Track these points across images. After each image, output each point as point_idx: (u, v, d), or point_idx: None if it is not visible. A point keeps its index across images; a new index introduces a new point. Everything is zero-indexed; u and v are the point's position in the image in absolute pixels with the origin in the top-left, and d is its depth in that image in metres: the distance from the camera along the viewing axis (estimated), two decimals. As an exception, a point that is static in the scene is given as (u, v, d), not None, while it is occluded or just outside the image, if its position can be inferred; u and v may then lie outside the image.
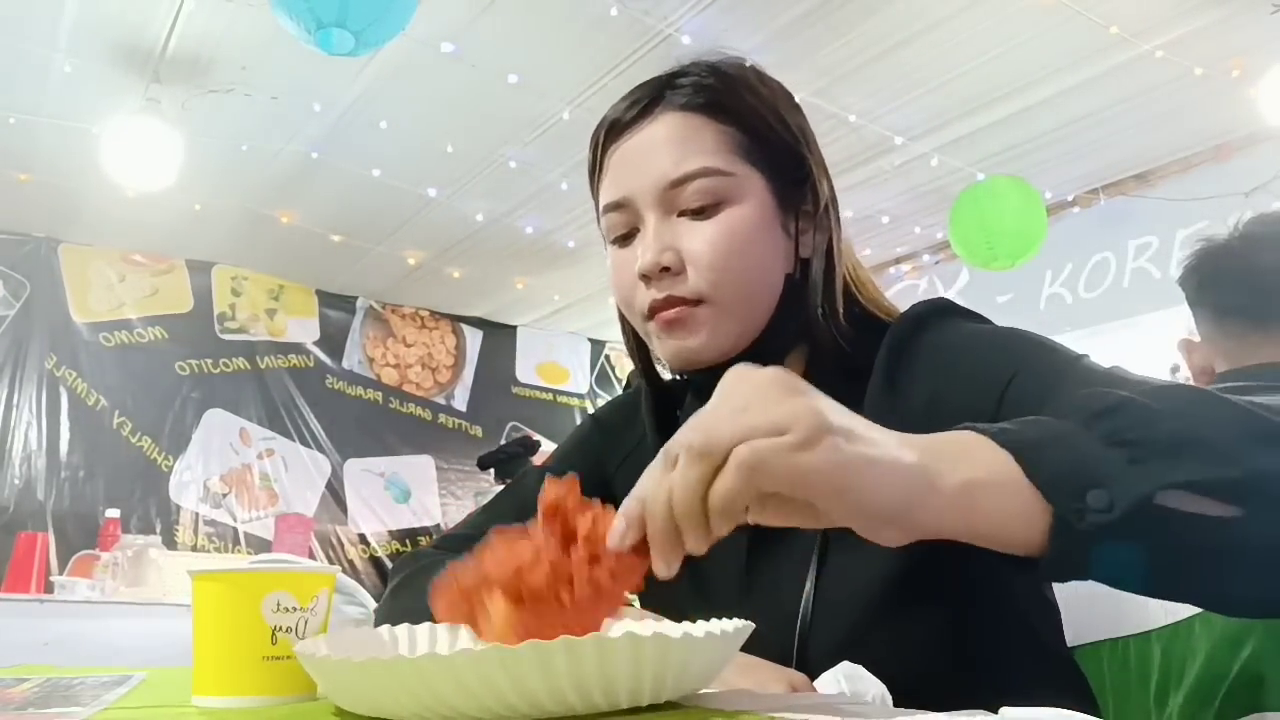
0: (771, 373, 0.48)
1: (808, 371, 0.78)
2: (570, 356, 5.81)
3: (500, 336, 5.62)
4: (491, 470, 4.67)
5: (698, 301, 0.73)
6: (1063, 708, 0.41)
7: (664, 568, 0.48)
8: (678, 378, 0.86)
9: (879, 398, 0.71)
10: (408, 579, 0.85)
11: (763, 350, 0.75)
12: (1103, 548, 0.46)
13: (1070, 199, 3.91)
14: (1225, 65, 2.97)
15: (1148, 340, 3.80)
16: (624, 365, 5.93)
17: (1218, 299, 1.40)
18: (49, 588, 3.19)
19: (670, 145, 0.75)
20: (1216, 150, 3.52)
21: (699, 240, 0.73)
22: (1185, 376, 3.70)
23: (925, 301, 0.75)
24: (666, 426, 0.85)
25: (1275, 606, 0.51)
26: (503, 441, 5.36)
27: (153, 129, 3.15)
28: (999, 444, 0.49)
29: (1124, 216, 3.77)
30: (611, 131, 0.79)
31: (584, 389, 5.80)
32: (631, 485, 0.87)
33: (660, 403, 0.86)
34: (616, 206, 0.77)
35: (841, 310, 0.76)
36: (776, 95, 0.80)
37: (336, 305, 5.22)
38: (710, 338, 0.74)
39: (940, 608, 0.67)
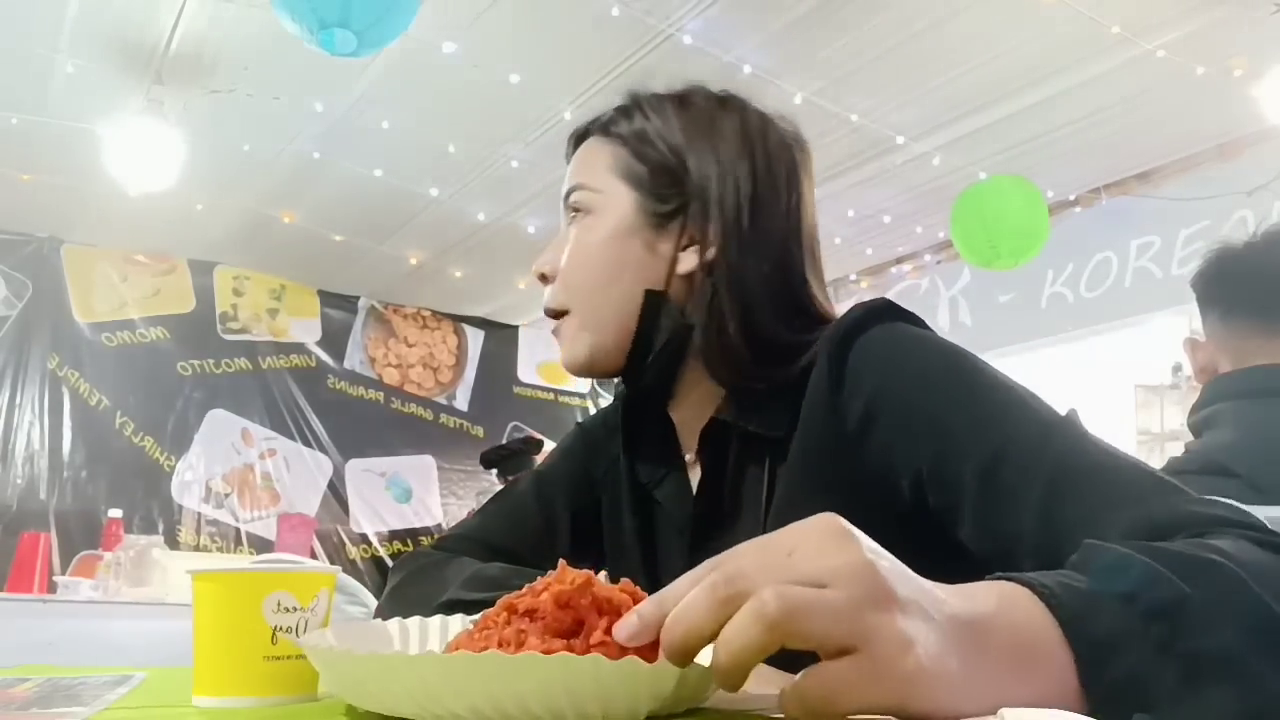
0: (829, 525, 0.44)
1: (726, 396, 0.78)
2: (572, 356, 5.81)
3: (502, 336, 5.63)
4: (494, 469, 4.68)
5: (561, 312, 0.82)
6: (1064, 709, 0.41)
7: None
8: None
9: (819, 407, 0.71)
10: (408, 579, 0.85)
11: (639, 364, 0.80)
12: None
13: (1072, 198, 3.90)
14: (1227, 65, 2.97)
15: (1149, 340, 3.80)
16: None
17: (1228, 297, 1.39)
18: (52, 588, 3.20)
19: (576, 164, 0.85)
20: (1218, 150, 3.52)
21: (561, 251, 0.82)
22: (1188, 378, 3.70)
23: (864, 303, 0.74)
24: (633, 440, 0.88)
25: None
26: (503, 442, 5.37)
27: (155, 129, 3.16)
28: (1064, 631, 0.44)
29: (1126, 216, 3.77)
30: (569, 150, 0.88)
31: (585, 389, 5.80)
32: (614, 495, 0.89)
33: (631, 410, 0.88)
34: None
35: (740, 331, 0.76)
36: (692, 121, 0.81)
37: (338, 305, 5.23)
38: (567, 348, 0.81)
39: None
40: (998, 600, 0.45)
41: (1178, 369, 3.69)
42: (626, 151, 0.81)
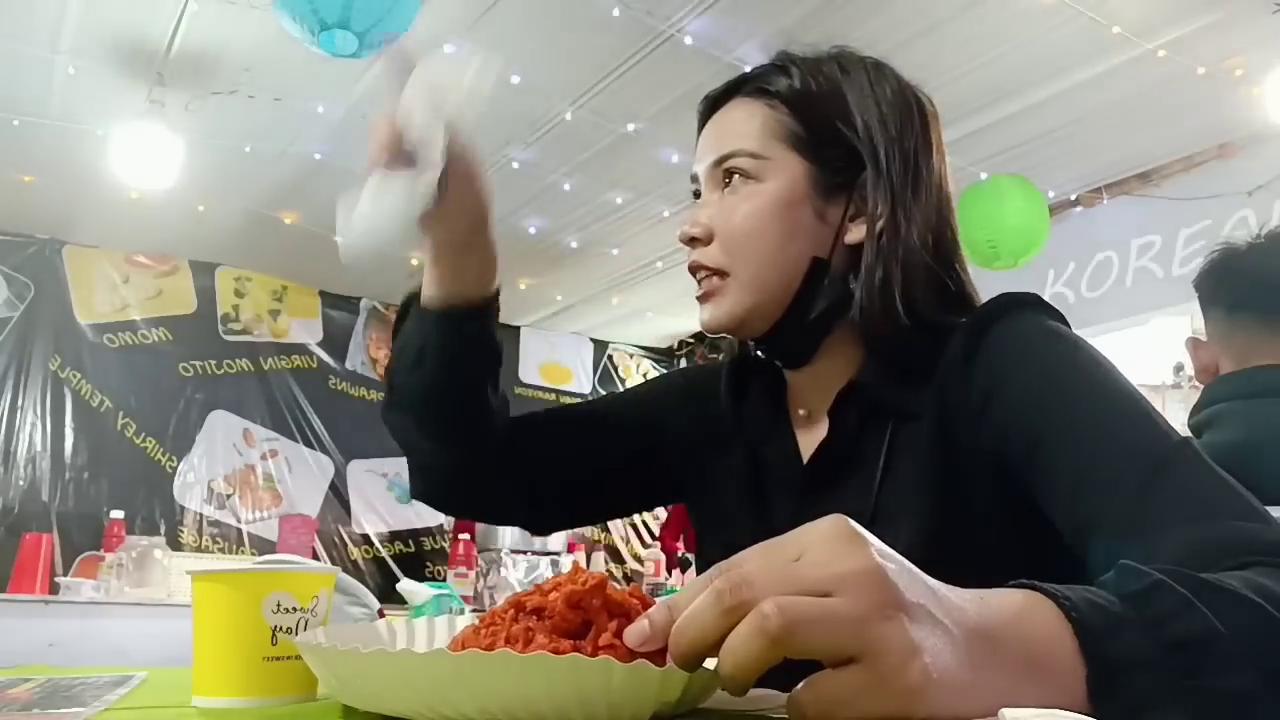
0: (839, 529, 0.42)
1: (864, 362, 0.80)
2: (573, 357, 5.81)
3: (503, 337, 5.57)
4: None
5: (718, 272, 0.80)
6: (1065, 709, 0.40)
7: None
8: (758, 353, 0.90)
9: (951, 378, 0.73)
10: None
11: (793, 328, 0.80)
12: None
13: (1073, 198, 3.90)
14: (1228, 65, 2.97)
15: (1151, 339, 3.80)
16: (627, 366, 5.94)
17: (1231, 297, 1.41)
18: (54, 588, 3.20)
19: (726, 127, 0.83)
20: (1219, 149, 3.51)
21: (720, 214, 0.80)
22: (1189, 378, 3.69)
23: (1012, 293, 0.77)
24: (740, 398, 0.89)
25: None
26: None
27: (156, 131, 3.17)
28: (1082, 646, 0.44)
29: (1127, 216, 3.77)
30: (704, 110, 0.87)
31: (587, 390, 5.80)
32: (711, 457, 0.90)
33: (740, 370, 0.90)
34: (693, 178, 0.86)
35: (905, 298, 0.77)
36: (855, 88, 0.81)
37: (340, 306, 5.23)
38: (726, 308, 0.80)
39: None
40: (1018, 609, 0.45)
41: (1179, 369, 3.69)
42: (789, 116, 0.80)
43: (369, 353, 5.27)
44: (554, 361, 5.74)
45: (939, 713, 0.40)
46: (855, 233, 0.80)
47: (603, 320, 5.50)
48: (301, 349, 5.09)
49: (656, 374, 1.04)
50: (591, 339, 5.86)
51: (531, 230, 4.27)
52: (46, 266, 4.53)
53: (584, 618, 0.47)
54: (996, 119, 3.31)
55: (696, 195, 0.85)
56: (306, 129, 3.47)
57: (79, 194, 3.96)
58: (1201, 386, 1.45)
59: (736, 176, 0.80)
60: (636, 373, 5.96)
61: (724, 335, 0.85)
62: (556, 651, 0.45)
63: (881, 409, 0.78)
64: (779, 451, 0.85)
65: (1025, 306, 0.75)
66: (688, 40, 2.87)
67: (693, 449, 0.92)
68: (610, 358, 5.92)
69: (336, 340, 5.19)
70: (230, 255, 4.80)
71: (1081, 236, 3.87)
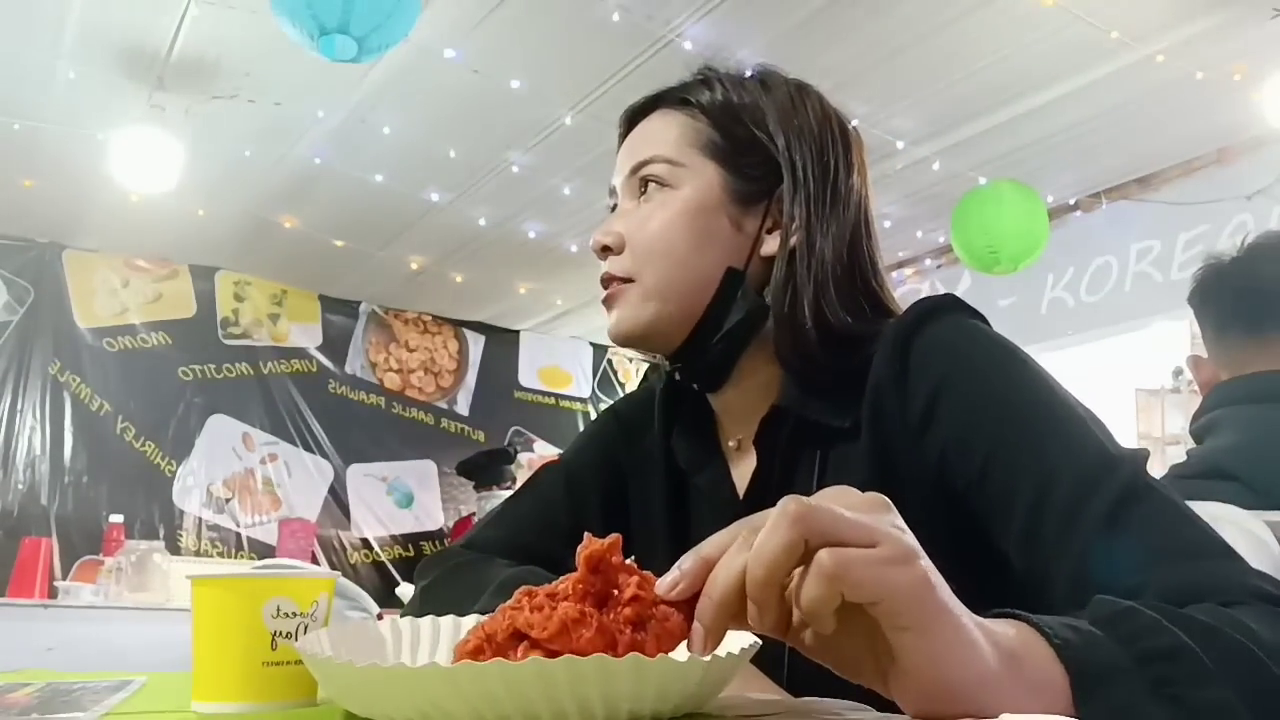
0: (869, 495, 0.46)
1: (784, 384, 0.77)
2: (572, 361, 5.81)
3: (503, 341, 5.63)
4: (471, 480, 4.70)
5: (625, 280, 0.79)
6: (1065, 714, 0.41)
7: (701, 643, 0.45)
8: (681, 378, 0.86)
9: (883, 392, 0.71)
10: (439, 580, 0.84)
11: (706, 341, 0.78)
12: None
13: (1072, 203, 3.91)
14: (1226, 69, 2.97)
15: (1149, 344, 3.80)
16: (626, 370, 5.94)
17: (1219, 311, 1.44)
18: (53, 593, 3.20)
19: (645, 136, 0.82)
20: (1218, 154, 3.52)
21: (632, 221, 0.80)
22: (1188, 382, 3.70)
23: (932, 296, 0.75)
24: (672, 426, 0.86)
25: None
26: (505, 445, 5.37)
27: (156, 135, 3.17)
28: (1060, 655, 0.46)
29: (1126, 220, 3.77)
30: (625, 124, 0.87)
31: (586, 393, 5.80)
32: (645, 486, 0.88)
33: (671, 400, 0.87)
34: (611, 192, 0.85)
35: (820, 312, 0.75)
36: (776, 100, 0.81)
37: (339, 310, 5.23)
38: (629, 312, 0.79)
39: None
40: (998, 624, 0.46)
41: (1178, 373, 3.69)
42: (708, 125, 0.80)
43: (368, 357, 5.27)
44: (554, 365, 5.74)
45: (933, 616, 0.42)
46: (771, 244, 0.79)
47: (602, 324, 5.36)
48: (301, 353, 5.09)
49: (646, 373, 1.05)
50: (591, 343, 5.86)
51: (531, 234, 4.28)
52: (46, 270, 4.53)
53: (605, 581, 0.47)
54: (996, 124, 3.32)
55: (614, 210, 0.84)
56: (306, 133, 3.47)
57: (79, 198, 3.96)
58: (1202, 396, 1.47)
59: (652, 184, 0.79)
60: (636, 376, 5.96)
61: (631, 348, 0.82)
62: (583, 615, 0.45)
63: (808, 432, 0.75)
64: (712, 485, 0.83)
65: (946, 310, 0.73)
66: (687, 45, 2.87)
67: (632, 482, 0.90)
68: (609, 361, 5.92)
69: (336, 344, 5.19)
70: (230, 259, 4.80)
71: (1081, 241, 3.87)
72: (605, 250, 0.80)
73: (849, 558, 0.41)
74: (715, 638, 0.44)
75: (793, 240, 0.77)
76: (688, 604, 0.45)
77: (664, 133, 0.80)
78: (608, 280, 0.80)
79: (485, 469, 4.59)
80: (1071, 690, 0.44)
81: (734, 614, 0.44)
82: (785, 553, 0.41)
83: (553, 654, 0.43)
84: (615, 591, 0.46)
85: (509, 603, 0.48)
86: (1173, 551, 0.57)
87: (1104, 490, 0.59)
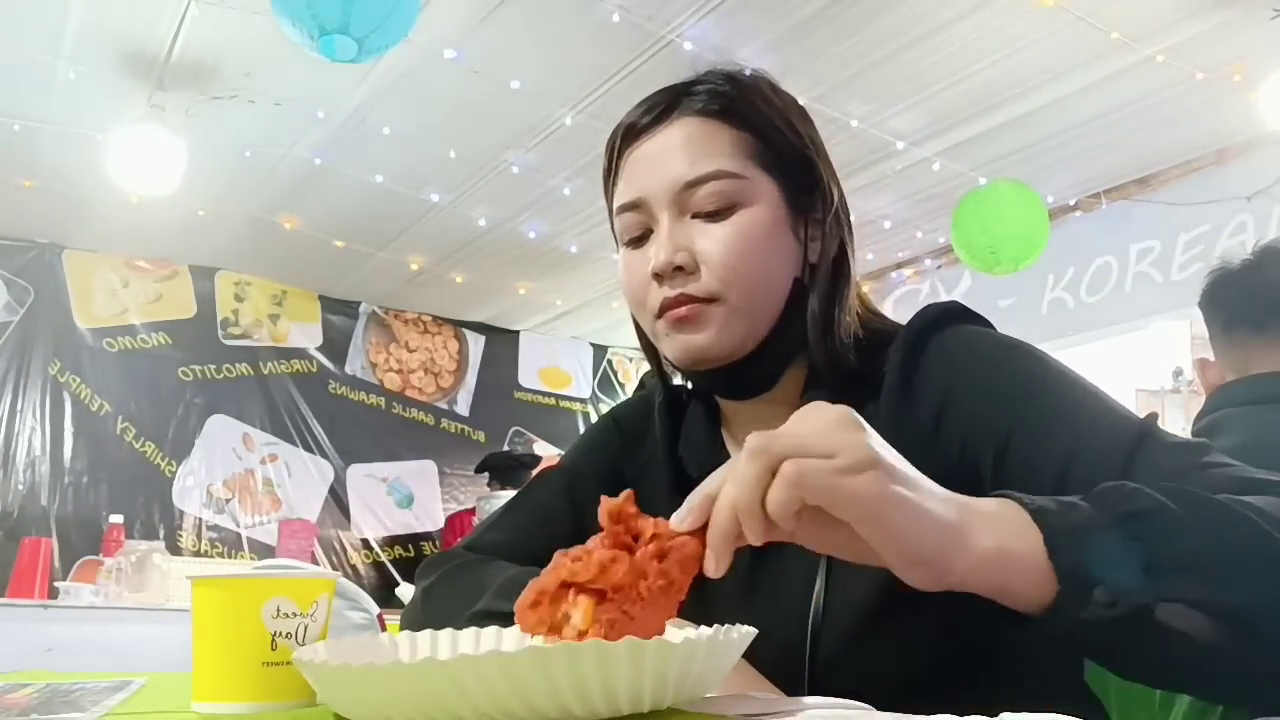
0: (839, 409, 0.53)
1: (807, 380, 0.79)
2: (573, 361, 5.81)
3: (502, 341, 5.63)
4: (488, 474, 4.69)
5: (710, 300, 0.75)
6: (1066, 713, 0.41)
7: (714, 564, 0.51)
8: (687, 384, 0.87)
9: (894, 401, 0.72)
10: (441, 580, 0.84)
11: (768, 353, 0.77)
12: (1097, 636, 0.51)
13: (1072, 203, 3.91)
14: (1226, 70, 2.97)
15: (1150, 344, 3.80)
16: (626, 370, 5.94)
17: (1227, 313, 1.47)
18: (53, 593, 3.20)
19: (686, 148, 0.76)
20: (1218, 154, 3.52)
21: (713, 241, 0.75)
22: (1188, 382, 3.70)
23: (937, 304, 0.76)
24: (677, 436, 0.86)
25: (1255, 709, 0.54)
26: (505, 447, 5.37)
27: (156, 135, 3.17)
28: (1034, 519, 0.52)
29: (1126, 220, 3.77)
30: (628, 135, 0.80)
31: (586, 394, 5.80)
32: (650, 495, 0.87)
33: (672, 408, 0.87)
34: (632, 207, 0.79)
35: (847, 319, 0.77)
36: (788, 104, 0.81)
37: (339, 310, 5.23)
38: (718, 334, 0.75)
39: (951, 608, 0.67)
40: (982, 501, 0.54)
41: (1178, 373, 3.70)
42: (754, 138, 0.77)
43: (369, 357, 5.27)
44: (554, 366, 5.74)
45: (888, 500, 0.49)
46: (814, 252, 0.79)
47: (602, 324, 5.50)
48: (301, 353, 5.09)
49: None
50: (591, 343, 5.86)
51: (531, 235, 4.28)
52: (46, 271, 4.53)
53: (626, 529, 0.53)
54: (996, 124, 3.32)
55: (644, 228, 0.78)
56: (306, 133, 3.47)
57: (79, 198, 3.96)
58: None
59: (715, 199, 0.75)
60: (635, 376, 5.96)
61: (708, 366, 0.78)
62: (616, 557, 0.51)
63: None
64: None
65: (956, 317, 0.76)
66: (687, 45, 2.87)
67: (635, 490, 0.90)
68: (610, 362, 5.92)
69: (336, 344, 5.19)
70: (230, 260, 4.80)
71: (1081, 241, 3.87)
72: (677, 270, 0.75)
73: (805, 467, 0.49)
74: (725, 558, 0.51)
75: (832, 246, 0.79)
76: (699, 532, 0.52)
77: (717, 145, 0.76)
78: (683, 301, 0.75)
79: (504, 471, 4.59)
80: (1045, 548, 0.51)
81: (735, 535, 0.51)
82: (756, 480, 0.50)
83: (599, 594, 0.50)
84: (634, 540, 0.53)
85: (550, 564, 0.53)
86: (1193, 465, 0.62)
87: (1127, 450, 0.63)
